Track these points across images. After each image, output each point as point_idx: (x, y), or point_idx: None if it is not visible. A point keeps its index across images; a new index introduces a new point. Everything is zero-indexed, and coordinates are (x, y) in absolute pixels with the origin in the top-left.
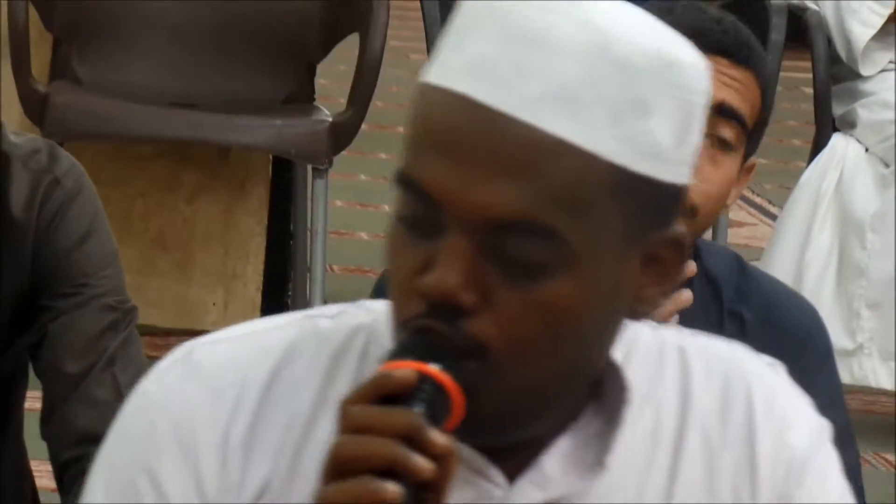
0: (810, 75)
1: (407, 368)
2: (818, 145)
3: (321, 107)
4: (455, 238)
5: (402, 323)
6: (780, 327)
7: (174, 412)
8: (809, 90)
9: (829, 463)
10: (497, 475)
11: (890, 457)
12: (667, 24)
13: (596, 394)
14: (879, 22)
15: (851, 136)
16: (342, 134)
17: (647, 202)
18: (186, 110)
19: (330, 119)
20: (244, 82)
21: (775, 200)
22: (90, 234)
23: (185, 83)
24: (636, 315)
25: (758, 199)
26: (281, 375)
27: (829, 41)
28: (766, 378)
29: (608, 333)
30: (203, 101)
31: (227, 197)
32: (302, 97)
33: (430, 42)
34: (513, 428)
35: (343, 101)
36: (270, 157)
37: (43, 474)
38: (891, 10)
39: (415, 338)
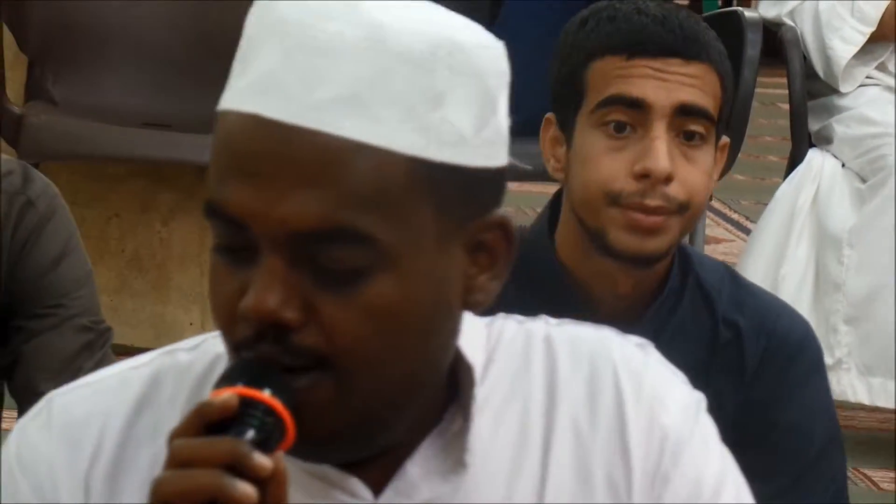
0: (786, 91)
1: (228, 394)
2: (794, 160)
3: None
4: (268, 257)
5: (234, 348)
6: (773, 336)
7: (33, 466)
8: (786, 106)
9: (705, 437)
10: (360, 487)
11: (869, 472)
12: (610, 31)
13: (454, 393)
14: (861, 40)
15: (828, 151)
16: None
17: (457, 190)
18: (161, 130)
19: None
20: (218, 102)
21: (752, 216)
22: (64, 256)
23: (159, 103)
24: (472, 304)
25: (734, 216)
26: (142, 413)
27: (805, 57)
28: (633, 360)
29: (445, 328)
30: (178, 121)
31: (203, 217)
32: None
33: None
34: (361, 440)
35: None
36: None
37: None
38: (873, 29)
39: (240, 363)
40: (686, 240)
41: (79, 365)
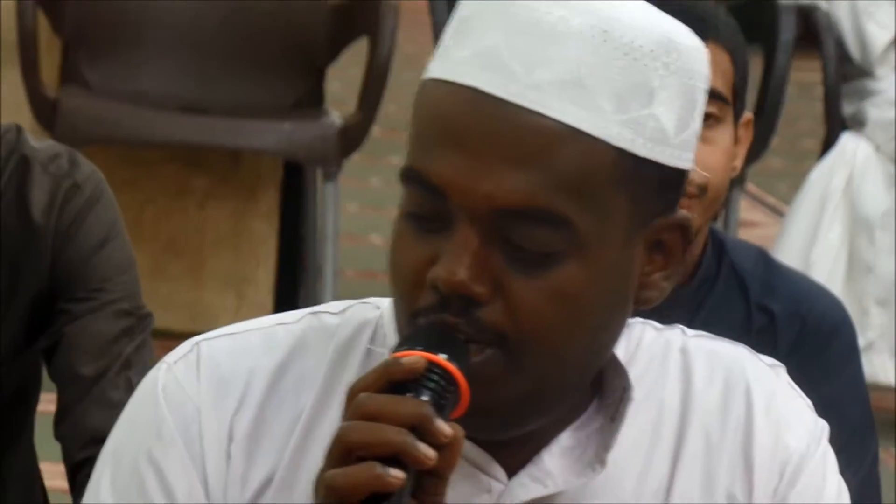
0: (821, 76)
1: (416, 356)
2: (828, 144)
3: (330, 111)
4: (464, 229)
5: (413, 315)
6: (808, 320)
7: (180, 406)
8: (822, 92)
9: (825, 464)
10: (497, 469)
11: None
12: None
13: (598, 391)
14: None
15: (861, 134)
16: (351, 138)
17: (653, 187)
18: (196, 115)
19: (339, 123)
20: (253, 87)
21: (788, 201)
22: (108, 240)
23: (194, 88)
24: (642, 301)
25: (771, 200)
26: (287, 370)
27: (839, 41)
28: (765, 380)
29: (617, 321)
30: (212, 105)
31: (238, 201)
32: (311, 101)
33: None
34: (520, 421)
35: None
36: (281, 161)
37: (55, 476)
38: None
39: (424, 328)
40: (721, 224)
41: (119, 349)
